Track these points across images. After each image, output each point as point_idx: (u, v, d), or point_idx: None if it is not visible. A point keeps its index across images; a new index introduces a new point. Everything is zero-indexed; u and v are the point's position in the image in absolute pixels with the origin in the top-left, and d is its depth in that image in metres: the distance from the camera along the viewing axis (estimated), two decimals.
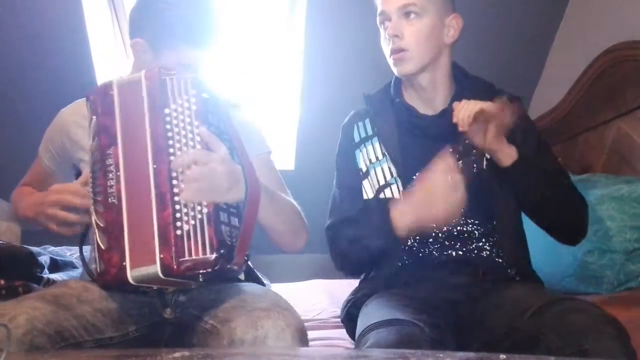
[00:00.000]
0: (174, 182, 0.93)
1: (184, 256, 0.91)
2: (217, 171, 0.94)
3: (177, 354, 0.73)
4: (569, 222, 1.22)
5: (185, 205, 0.92)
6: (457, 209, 1.05)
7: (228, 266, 0.95)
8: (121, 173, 0.96)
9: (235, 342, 0.90)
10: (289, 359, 0.80)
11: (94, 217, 0.98)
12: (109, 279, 0.96)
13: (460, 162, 1.23)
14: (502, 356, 0.70)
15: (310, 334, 1.54)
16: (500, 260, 1.19)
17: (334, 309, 1.85)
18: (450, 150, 1.24)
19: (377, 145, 1.27)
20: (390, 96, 1.31)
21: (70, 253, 1.90)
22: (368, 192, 1.25)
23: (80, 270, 1.77)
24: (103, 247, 0.96)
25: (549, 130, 2.25)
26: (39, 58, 2.18)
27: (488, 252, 1.19)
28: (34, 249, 1.68)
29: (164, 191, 0.93)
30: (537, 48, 2.45)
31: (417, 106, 1.27)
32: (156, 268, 0.91)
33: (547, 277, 1.50)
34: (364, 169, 1.27)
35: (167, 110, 0.95)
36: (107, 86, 1.01)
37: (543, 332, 0.91)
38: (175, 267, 0.91)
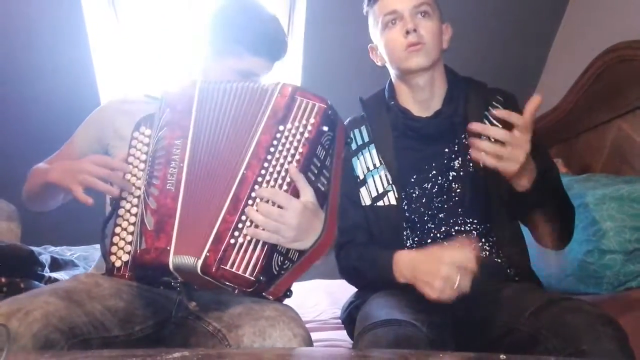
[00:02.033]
0: (253, 194, 0.95)
1: (226, 264, 0.93)
2: (290, 221, 0.94)
3: (176, 354, 0.73)
4: (560, 230, 1.21)
5: (251, 220, 0.94)
6: (455, 292, 0.97)
7: (263, 293, 0.98)
8: (184, 165, 1.01)
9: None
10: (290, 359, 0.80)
11: (141, 199, 1.01)
12: (149, 258, 0.97)
13: (458, 162, 1.23)
14: (502, 356, 0.71)
15: (311, 335, 1.55)
16: (499, 261, 1.19)
17: (334, 310, 1.85)
18: (446, 150, 1.25)
19: (373, 152, 1.28)
20: (385, 100, 1.32)
21: (70, 253, 1.90)
22: (365, 199, 1.26)
23: (80, 269, 1.78)
24: (149, 228, 0.98)
25: (550, 130, 2.25)
26: (39, 60, 2.18)
27: (487, 252, 1.20)
28: (35, 248, 1.68)
29: (240, 197, 0.95)
30: (537, 48, 2.45)
31: (412, 109, 1.28)
32: (198, 262, 0.93)
33: (547, 277, 1.50)
34: (361, 177, 1.28)
35: (281, 127, 0.98)
36: (190, 86, 1.08)
37: (541, 333, 0.91)
38: (213, 269, 0.93)
